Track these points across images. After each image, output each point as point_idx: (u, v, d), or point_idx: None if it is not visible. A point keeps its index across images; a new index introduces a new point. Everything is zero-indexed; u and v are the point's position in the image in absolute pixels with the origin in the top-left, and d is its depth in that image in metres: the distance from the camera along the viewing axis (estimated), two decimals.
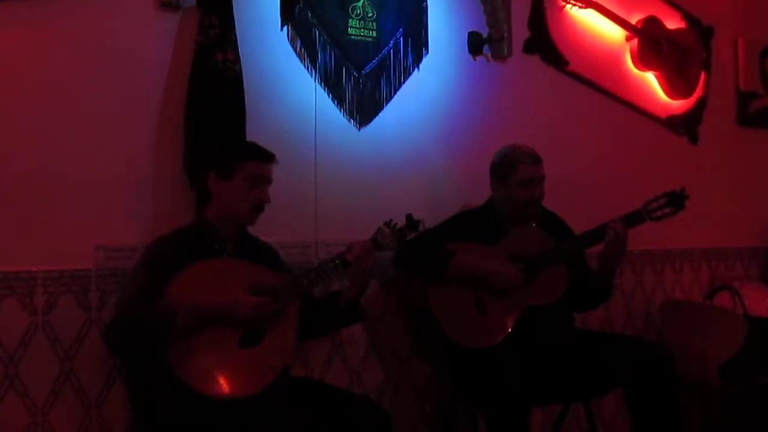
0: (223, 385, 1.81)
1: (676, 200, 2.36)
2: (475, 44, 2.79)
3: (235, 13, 2.23)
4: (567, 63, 3.06)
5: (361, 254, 1.98)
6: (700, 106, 3.54)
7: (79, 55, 2.06)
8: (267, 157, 2.01)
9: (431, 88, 2.69)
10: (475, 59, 2.81)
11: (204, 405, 1.78)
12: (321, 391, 2.02)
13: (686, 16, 3.50)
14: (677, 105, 3.45)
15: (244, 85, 2.22)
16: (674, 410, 2.27)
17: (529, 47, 2.96)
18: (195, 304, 1.79)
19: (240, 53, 2.22)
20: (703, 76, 3.54)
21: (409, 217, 2.08)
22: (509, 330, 2.27)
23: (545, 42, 3.00)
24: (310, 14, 2.42)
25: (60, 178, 2.01)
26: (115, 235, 2.08)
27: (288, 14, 2.37)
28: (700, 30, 3.54)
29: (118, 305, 1.91)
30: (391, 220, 2.08)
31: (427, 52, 2.65)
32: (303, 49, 2.42)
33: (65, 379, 1.99)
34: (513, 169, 2.35)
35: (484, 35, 2.81)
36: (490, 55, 2.83)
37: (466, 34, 2.79)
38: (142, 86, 2.15)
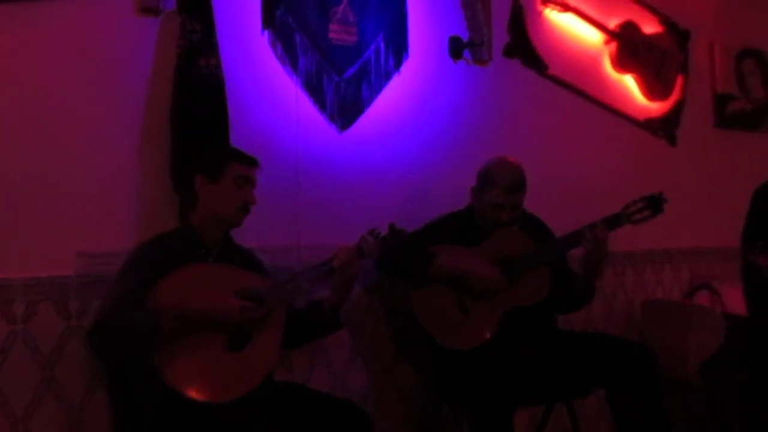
0: (209, 389, 1.80)
1: (654, 204, 2.39)
2: (455, 48, 2.81)
3: (215, 17, 2.23)
4: (547, 67, 3.09)
5: (346, 261, 1.99)
6: (678, 108, 3.59)
7: (59, 59, 2.05)
8: (252, 161, 2.04)
9: (412, 92, 2.71)
10: (455, 63, 2.83)
11: (189, 409, 1.77)
12: (303, 395, 2.02)
13: (663, 20, 3.55)
14: (655, 107, 3.50)
15: (226, 89, 2.22)
16: (657, 410, 2.29)
17: (509, 51, 2.98)
18: (182, 307, 1.79)
19: (221, 58, 2.22)
20: (680, 79, 3.59)
21: (391, 226, 2.09)
22: (492, 332, 2.29)
23: (525, 46, 3.03)
24: (290, 19, 2.42)
25: (40, 183, 2.00)
26: (97, 242, 2.07)
27: (269, 19, 2.38)
28: (677, 34, 3.59)
29: (104, 308, 1.90)
30: (374, 229, 2.09)
31: (408, 56, 2.67)
32: (284, 54, 2.42)
33: (46, 388, 1.97)
34: (488, 188, 2.38)
35: (465, 39, 2.83)
36: (470, 59, 2.86)
37: (447, 39, 2.81)
38: (123, 91, 2.14)
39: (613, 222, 2.36)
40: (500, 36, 2.94)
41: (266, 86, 2.42)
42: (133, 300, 1.79)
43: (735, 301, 3.09)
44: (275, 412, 1.89)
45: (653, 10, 3.51)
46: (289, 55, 2.43)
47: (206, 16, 2.20)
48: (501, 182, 2.36)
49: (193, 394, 1.78)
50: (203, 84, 2.16)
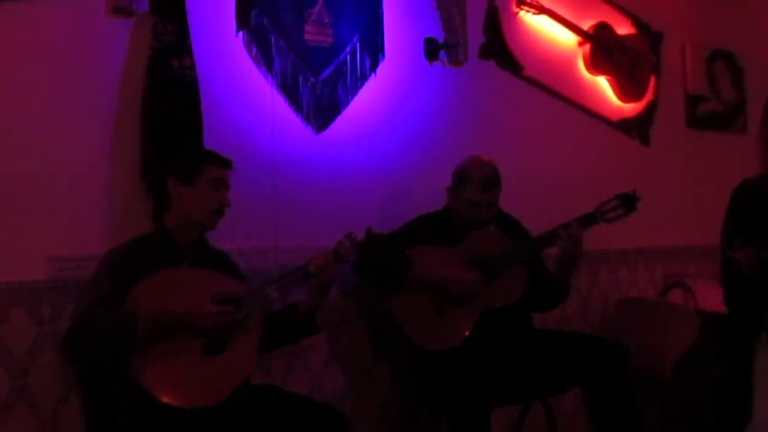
0: (185, 394, 1.79)
1: (628, 202, 2.42)
2: (431, 50, 2.82)
3: (189, 18, 2.21)
4: (522, 68, 3.11)
5: (323, 265, 1.98)
6: (651, 109, 3.64)
7: (30, 60, 2.01)
8: (226, 163, 2.02)
9: (388, 93, 2.71)
10: (431, 64, 2.84)
11: (164, 415, 1.75)
12: (281, 398, 2.01)
13: (636, 22, 3.59)
14: (629, 108, 3.54)
15: (201, 91, 2.20)
16: (631, 406, 2.32)
17: (484, 53, 3.00)
18: (157, 312, 1.76)
19: (195, 59, 2.20)
20: (653, 80, 3.64)
21: (368, 231, 2.09)
22: (469, 332, 2.30)
23: (500, 47, 3.05)
24: (265, 20, 2.41)
25: (10, 186, 1.96)
26: (68, 245, 2.04)
27: (244, 20, 2.37)
28: (649, 35, 3.65)
29: (78, 313, 1.87)
30: (351, 233, 2.09)
31: (384, 57, 2.67)
32: (259, 55, 2.41)
33: (18, 395, 1.93)
34: (464, 187, 2.39)
35: (441, 41, 2.84)
36: (446, 60, 2.87)
37: (423, 40, 2.82)
38: (95, 93, 2.11)
39: (588, 221, 2.39)
40: (476, 37, 2.96)
41: (241, 87, 2.40)
42: (107, 305, 1.76)
43: (708, 298, 3.15)
44: (252, 415, 1.88)
45: (626, 12, 3.55)
46: (264, 56, 2.41)
47: (179, 17, 2.18)
48: (476, 180, 2.37)
49: (169, 399, 1.76)
50: (176, 85, 2.14)
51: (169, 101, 2.13)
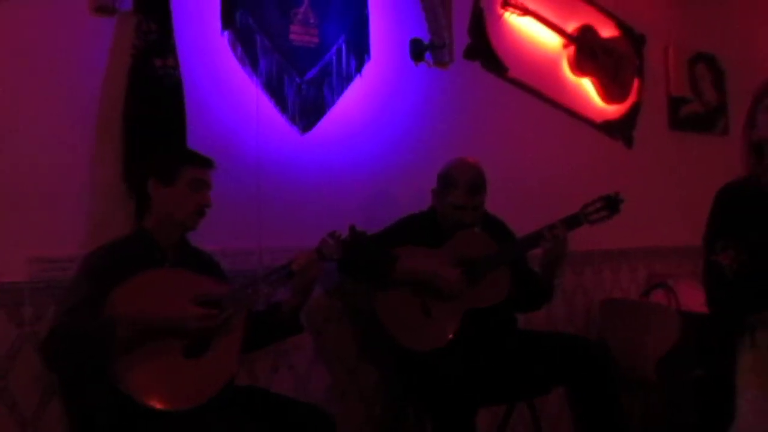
0: (168, 397, 1.77)
1: (611, 204, 2.44)
2: (417, 51, 2.82)
3: (173, 17, 2.19)
4: (507, 69, 3.12)
5: (306, 265, 1.98)
6: (634, 111, 3.67)
7: (11, 59, 1.99)
8: (207, 163, 2.00)
9: (374, 94, 2.71)
10: (417, 65, 2.84)
11: (147, 418, 1.74)
12: (265, 399, 2.00)
13: (620, 24, 3.62)
14: (612, 110, 3.57)
15: (185, 91, 2.18)
16: (615, 406, 2.33)
17: (469, 54, 3.01)
18: (138, 315, 1.75)
19: (180, 59, 2.18)
20: (636, 82, 3.67)
21: (352, 228, 2.08)
22: (453, 332, 2.30)
23: (485, 49, 3.06)
24: (251, 20, 2.40)
25: None
26: (50, 246, 2.01)
27: (229, 19, 2.35)
28: (633, 38, 3.68)
29: (57, 318, 1.85)
30: (335, 231, 2.08)
31: (370, 58, 2.67)
32: (244, 55, 2.40)
33: None
34: (449, 190, 2.40)
35: (426, 42, 2.84)
36: (431, 61, 2.87)
37: (408, 41, 2.82)
38: (77, 92, 2.09)
39: (572, 222, 2.40)
40: (461, 38, 2.97)
41: (226, 87, 2.39)
42: (87, 309, 1.74)
43: (690, 298, 3.18)
44: (236, 417, 1.87)
45: (610, 15, 3.58)
46: (249, 56, 2.40)
47: (163, 16, 2.17)
48: (462, 183, 2.38)
49: (151, 402, 1.74)
50: (159, 84, 2.12)
51: (152, 101, 2.11)
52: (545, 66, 3.30)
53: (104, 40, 2.14)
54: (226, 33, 2.36)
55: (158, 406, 1.75)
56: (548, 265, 2.44)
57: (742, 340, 1.85)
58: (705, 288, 1.95)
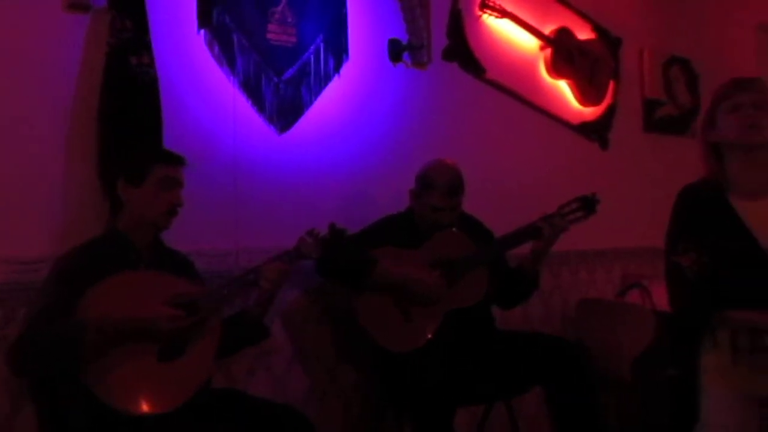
0: (143, 401, 1.74)
1: (587, 205, 2.46)
2: (395, 51, 2.83)
3: (149, 15, 2.16)
4: (484, 71, 3.14)
5: (277, 279, 1.94)
6: (610, 113, 3.71)
7: None
8: (178, 160, 1.96)
9: (352, 94, 2.71)
10: (395, 66, 2.84)
11: (123, 424, 1.71)
12: (242, 402, 1.97)
13: (596, 27, 3.66)
14: (589, 112, 3.61)
15: (160, 89, 2.16)
16: (591, 405, 2.35)
17: (447, 55, 3.02)
18: (108, 319, 1.71)
19: (155, 57, 2.16)
20: (612, 84, 3.71)
21: (331, 226, 2.06)
22: (432, 333, 2.30)
23: (463, 50, 3.07)
24: (228, 18, 2.38)
25: None
26: (21, 247, 1.97)
27: (205, 18, 2.33)
28: (608, 41, 3.72)
29: (27, 322, 1.81)
30: (313, 229, 2.06)
31: (348, 58, 2.66)
32: (221, 54, 2.38)
33: None
34: (427, 191, 2.40)
35: (404, 42, 2.85)
36: (410, 62, 2.87)
37: (387, 41, 2.82)
38: (51, 90, 2.06)
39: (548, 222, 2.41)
40: (439, 39, 2.98)
41: (203, 86, 2.37)
42: (57, 313, 1.71)
43: (664, 299, 3.20)
44: (213, 421, 1.85)
45: (586, 18, 3.62)
46: (226, 55, 2.38)
47: (139, 13, 2.14)
48: (440, 185, 2.39)
49: (125, 407, 1.72)
50: (134, 83, 2.09)
51: (127, 99, 2.08)
52: (522, 68, 3.32)
53: (78, 37, 2.11)
54: (202, 31, 2.34)
55: (133, 410, 1.72)
56: (538, 257, 2.45)
57: (705, 340, 1.88)
58: (667, 288, 1.98)
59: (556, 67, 3.40)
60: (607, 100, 3.69)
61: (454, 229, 2.44)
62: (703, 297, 1.82)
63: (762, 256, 1.79)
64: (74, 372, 1.69)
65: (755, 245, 1.80)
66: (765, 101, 1.86)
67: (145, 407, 1.74)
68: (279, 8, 2.50)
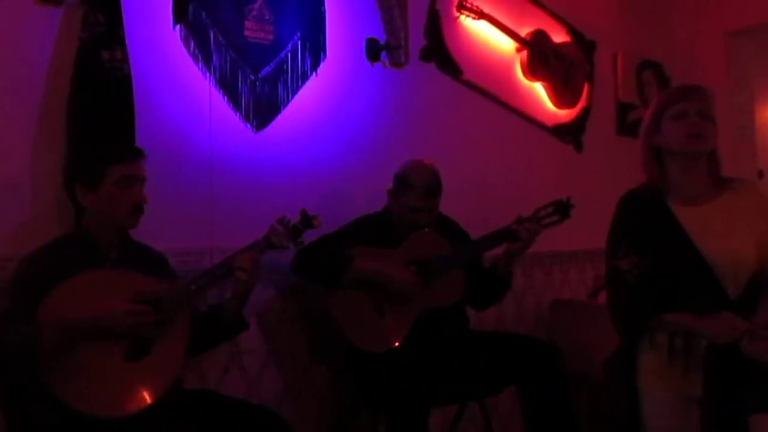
0: (109, 403, 1.71)
1: (562, 209, 2.49)
2: (372, 51, 2.82)
3: (123, 10, 2.13)
4: (461, 72, 3.15)
5: (250, 268, 1.91)
6: (584, 115, 3.75)
7: None
8: (133, 155, 1.89)
9: (329, 92, 2.70)
10: (372, 65, 2.84)
11: (92, 426, 1.67)
12: (215, 402, 1.95)
13: (571, 30, 3.70)
14: (563, 114, 3.64)
15: (134, 85, 2.12)
16: (563, 405, 2.37)
17: (425, 55, 3.02)
18: (66, 318, 1.67)
19: (129, 52, 2.12)
20: (586, 87, 3.75)
21: (303, 212, 2.02)
22: (407, 333, 2.31)
23: (441, 51, 3.08)
24: (204, 14, 2.35)
25: None
26: None
27: (181, 14, 2.30)
28: (583, 44, 3.76)
29: None
30: (284, 217, 2.01)
31: (326, 56, 2.65)
32: (197, 50, 2.35)
33: None
34: (405, 192, 2.40)
35: (382, 42, 2.85)
36: (387, 61, 2.87)
37: (364, 41, 2.81)
38: (20, 84, 2.02)
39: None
40: (417, 40, 2.98)
41: (178, 83, 2.33)
42: (16, 316, 1.66)
43: None
44: (185, 422, 1.83)
45: (562, 21, 3.65)
46: (202, 51, 2.36)
47: (112, 7, 2.11)
48: (418, 186, 2.39)
49: (94, 410, 1.68)
50: (106, 78, 2.05)
51: (98, 95, 2.05)
52: (499, 69, 3.34)
53: (49, 31, 2.07)
54: (178, 27, 2.31)
55: (99, 413, 1.68)
56: (511, 258, 2.47)
57: (643, 342, 1.91)
58: (607, 291, 2.01)
59: (532, 69, 3.42)
60: (582, 103, 3.72)
61: (427, 230, 2.44)
62: (643, 300, 1.85)
63: (700, 260, 1.82)
64: (37, 375, 1.65)
65: (694, 250, 1.83)
66: (709, 111, 1.89)
67: (112, 409, 1.70)
68: (256, 5, 2.47)
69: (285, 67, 2.55)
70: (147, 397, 1.75)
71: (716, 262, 1.82)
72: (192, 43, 2.34)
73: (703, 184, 1.92)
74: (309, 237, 2.17)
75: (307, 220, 2.01)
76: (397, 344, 2.29)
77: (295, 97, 2.58)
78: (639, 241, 1.84)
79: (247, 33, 2.45)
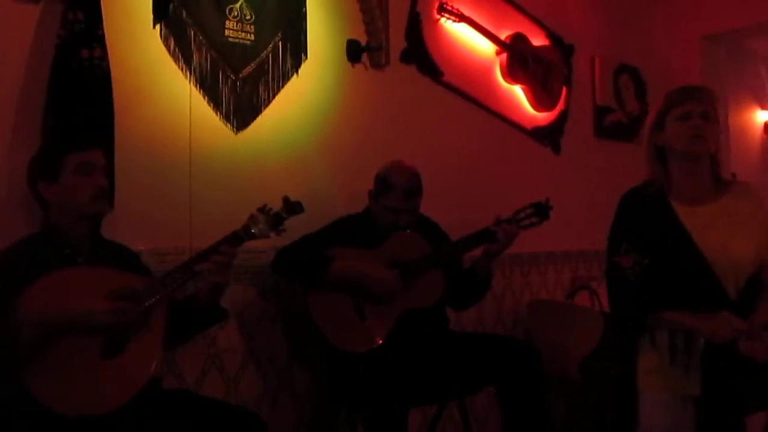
0: (85, 401, 1.68)
1: (541, 211, 2.52)
2: (353, 52, 2.83)
3: (102, 7, 2.11)
4: (442, 74, 3.17)
5: (224, 263, 1.89)
6: (562, 118, 3.80)
7: None
8: (88, 143, 1.89)
9: (310, 93, 2.70)
10: (353, 66, 2.84)
11: (65, 426, 1.65)
12: (194, 403, 1.94)
13: (550, 34, 3.74)
14: (542, 117, 3.68)
15: (113, 84, 2.11)
16: (541, 404, 2.40)
17: (406, 57, 3.04)
18: (42, 315, 1.65)
19: (108, 51, 2.10)
20: (564, 90, 3.80)
21: (285, 199, 2.00)
22: (387, 334, 2.32)
23: (421, 53, 3.10)
24: (184, 13, 2.34)
25: None
26: None
27: (161, 12, 2.29)
28: (562, 48, 3.80)
29: None
30: (265, 206, 1.99)
31: (306, 57, 2.65)
32: (177, 50, 2.34)
33: None
34: (386, 193, 2.42)
35: (363, 43, 2.85)
36: (368, 63, 2.88)
37: (345, 42, 2.82)
38: None
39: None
40: (397, 42, 2.99)
41: (158, 82, 2.32)
42: None
43: None
44: (163, 422, 1.81)
45: (541, 24, 3.69)
46: (182, 51, 2.34)
47: (91, 5, 2.09)
48: (399, 187, 2.40)
49: (69, 409, 1.66)
50: (85, 76, 2.03)
51: (76, 93, 2.02)
52: (479, 72, 3.36)
53: (27, 28, 2.04)
54: (158, 26, 2.29)
55: (74, 412, 1.66)
56: (490, 259, 2.49)
57: (643, 341, 1.93)
58: (607, 289, 2.03)
59: (511, 72, 3.46)
60: (560, 106, 3.77)
61: (408, 231, 2.45)
62: (643, 298, 1.87)
63: (700, 259, 1.85)
64: (13, 373, 1.63)
65: (695, 249, 1.86)
66: (712, 112, 1.93)
67: (87, 408, 1.68)
68: (237, 5, 2.47)
69: (266, 68, 2.54)
70: (123, 395, 1.72)
71: (716, 262, 1.84)
72: (172, 42, 2.32)
73: (704, 185, 1.95)
74: (289, 237, 2.17)
75: (289, 206, 1.98)
76: (375, 345, 2.30)
77: (276, 97, 2.58)
78: (640, 238, 1.86)
79: (227, 33, 2.44)
